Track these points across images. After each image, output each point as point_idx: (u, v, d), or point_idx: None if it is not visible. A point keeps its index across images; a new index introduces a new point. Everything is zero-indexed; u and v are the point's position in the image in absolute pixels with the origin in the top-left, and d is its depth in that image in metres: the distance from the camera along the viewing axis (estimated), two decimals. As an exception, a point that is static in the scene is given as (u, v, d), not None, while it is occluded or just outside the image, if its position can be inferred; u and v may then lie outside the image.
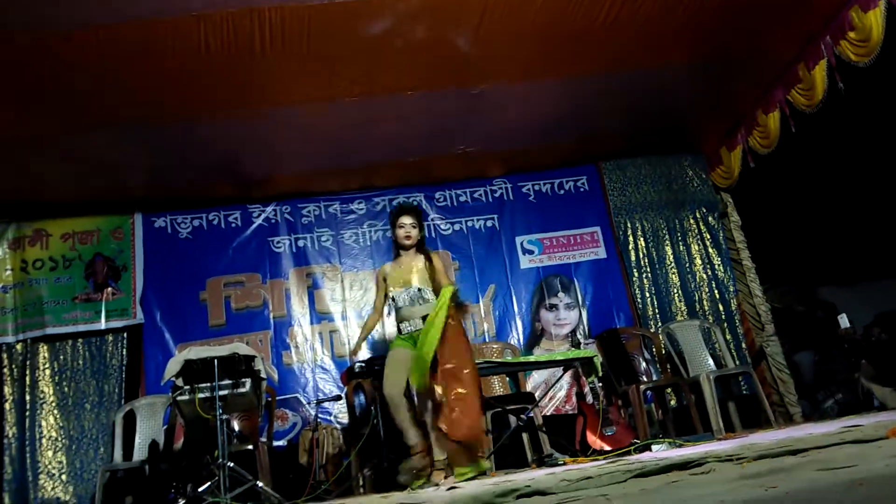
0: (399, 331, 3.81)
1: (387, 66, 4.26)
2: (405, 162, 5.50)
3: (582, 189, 6.12)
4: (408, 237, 3.85)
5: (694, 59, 4.71)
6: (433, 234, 5.84)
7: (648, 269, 5.88)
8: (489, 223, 5.96)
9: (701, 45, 4.53)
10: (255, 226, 5.72)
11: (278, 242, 5.73)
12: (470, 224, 5.94)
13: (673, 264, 5.93)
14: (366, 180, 5.82)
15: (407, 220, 3.88)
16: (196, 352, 3.70)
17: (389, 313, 4.16)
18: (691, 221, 6.06)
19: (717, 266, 5.96)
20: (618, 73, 4.73)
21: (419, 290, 3.76)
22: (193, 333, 5.33)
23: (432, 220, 5.88)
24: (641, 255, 5.92)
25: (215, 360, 3.58)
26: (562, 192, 6.10)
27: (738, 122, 5.60)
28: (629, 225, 5.98)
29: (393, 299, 3.82)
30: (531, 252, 5.92)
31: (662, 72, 4.81)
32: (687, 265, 5.95)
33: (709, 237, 6.03)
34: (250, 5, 3.52)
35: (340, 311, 5.63)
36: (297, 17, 3.65)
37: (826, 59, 4.49)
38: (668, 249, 5.97)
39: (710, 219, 6.07)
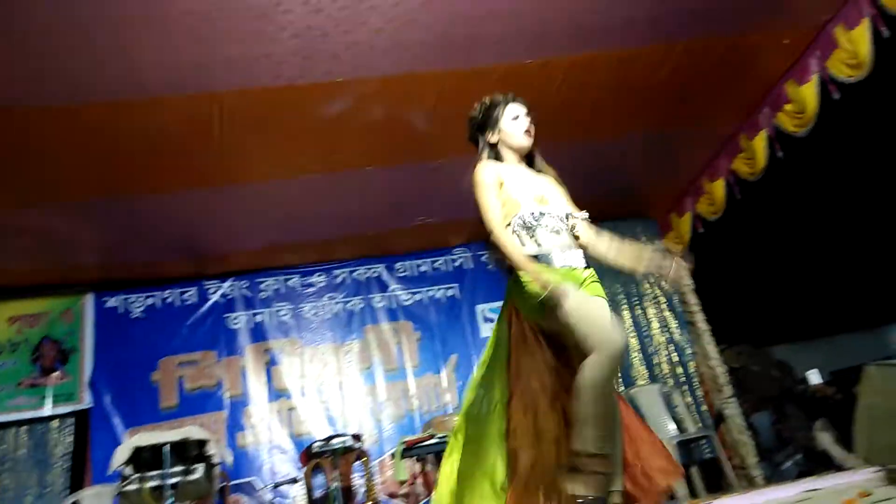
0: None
1: (346, 144, 4.31)
2: (365, 235, 5.51)
3: (540, 256, 6.18)
4: (528, 132, 2.52)
5: (644, 131, 4.90)
6: (394, 305, 5.82)
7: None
8: (450, 292, 5.96)
9: (650, 117, 4.72)
10: (210, 302, 5.60)
11: (235, 319, 5.61)
12: (431, 294, 5.93)
13: (631, 328, 5.99)
14: (325, 253, 5.79)
15: (522, 108, 2.56)
16: (146, 437, 3.56)
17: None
18: (646, 285, 6.18)
19: (673, 329, 6.05)
20: (573, 143, 4.88)
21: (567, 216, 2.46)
22: (144, 417, 5.10)
23: (393, 290, 5.86)
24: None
25: (166, 446, 3.44)
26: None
27: (687, 190, 5.80)
28: (587, 291, 6.05)
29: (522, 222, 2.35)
30: (492, 320, 5.91)
31: (615, 142, 4.98)
32: (645, 329, 6.02)
33: (664, 301, 6.14)
34: (210, 90, 3.56)
35: (299, 388, 5.48)
36: (257, 99, 3.70)
37: (766, 129, 4.73)
38: (626, 314, 6.04)
39: (663, 283, 6.20)
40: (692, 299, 6.15)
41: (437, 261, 6.03)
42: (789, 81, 4.41)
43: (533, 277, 2.15)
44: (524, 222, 2.35)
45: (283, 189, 4.64)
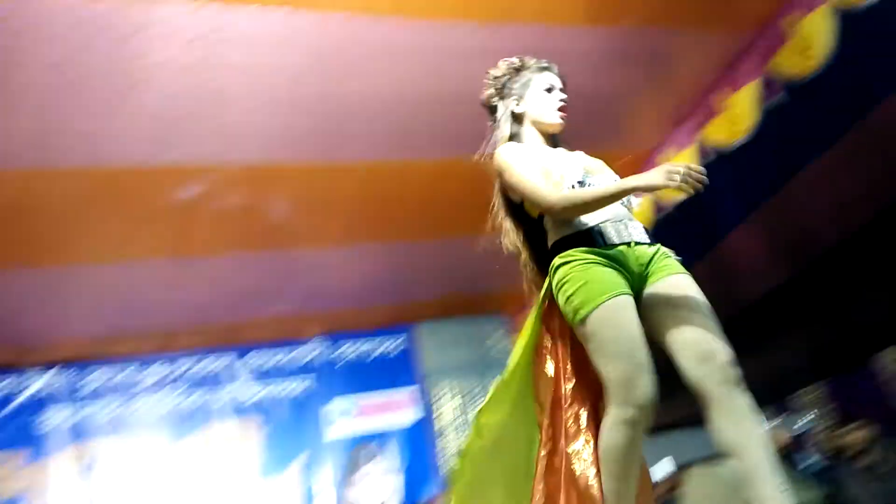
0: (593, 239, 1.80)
1: (198, 230, 4.12)
2: (213, 324, 5.21)
3: (398, 351, 6.16)
4: (563, 109, 2.05)
5: (496, 231, 5.13)
6: (240, 400, 5.48)
7: (461, 432, 5.91)
8: (303, 386, 5.72)
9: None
10: (25, 395, 4.96)
11: (53, 414, 4.99)
12: (282, 387, 5.66)
13: (485, 425, 6.02)
14: (167, 343, 5.38)
15: (557, 79, 2.08)
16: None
17: None
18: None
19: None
20: (432, 240, 5.00)
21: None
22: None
23: (240, 383, 5.53)
24: (455, 418, 5.97)
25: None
26: (378, 353, 6.09)
27: (532, 290, 6.07)
28: (442, 387, 6.06)
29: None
30: (345, 415, 5.73)
31: (472, 240, 5.14)
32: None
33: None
34: (50, 165, 3.30)
35: (124, 494, 4.91)
36: (102, 178, 3.48)
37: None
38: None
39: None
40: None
41: (291, 353, 5.80)
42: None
43: (649, 180, 1.60)
44: None
45: (125, 273, 4.31)
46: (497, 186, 2.11)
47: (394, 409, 5.86)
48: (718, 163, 4.06)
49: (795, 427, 7.89)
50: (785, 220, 4.78)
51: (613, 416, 1.63)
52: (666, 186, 1.57)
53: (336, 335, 5.96)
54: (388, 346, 6.13)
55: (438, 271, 5.35)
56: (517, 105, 2.06)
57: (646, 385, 1.61)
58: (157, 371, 5.39)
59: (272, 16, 2.82)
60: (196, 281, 4.61)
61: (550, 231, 1.90)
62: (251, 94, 3.27)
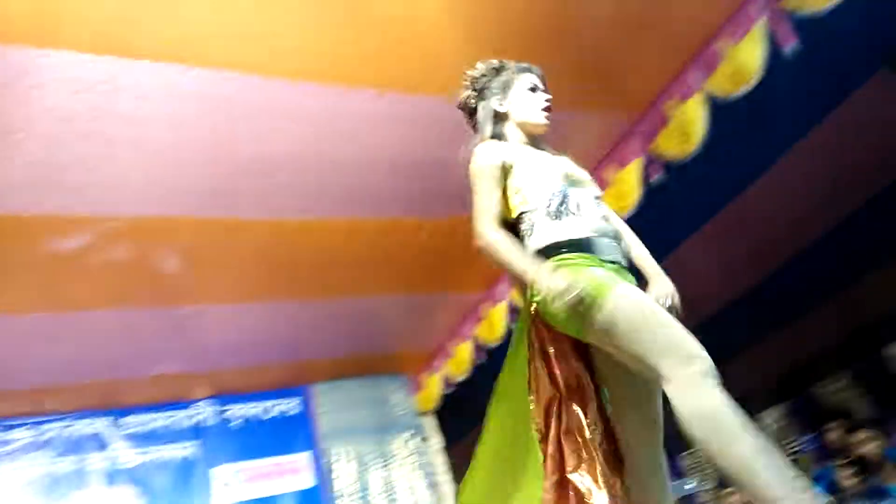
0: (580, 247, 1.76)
1: (77, 281, 3.87)
2: (88, 384, 4.84)
3: (292, 413, 5.94)
4: (547, 109, 2.02)
5: (401, 293, 5.14)
6: (114, 467, 5.06)
7: (358, 497, 5.73)
8: (186, 452, 5.37)
9: (404, 280, 4.98)
10: None
11: None
12: (162, 453, 5.29)
13: (381, 490, 5.87)
14: (33, 405, 4.94)
15: (539, 81, 2.05)
16: None
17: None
18: (397, 445, 6.18)
19: (419, 490, 6.04)
20: (330, 300, 4.93)
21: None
22: None
23: (115, 449, 5.12)
24: (351, 482, 5.78)
25: None
26: (269, 416, 5.84)
27: (437, 352, 6.08)
28: (338, 450, 5.87)
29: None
30: (234, 482, 5.41)
31: (372, 300, 5.13)
32: (394, 491, 5.93)
33: (413, 461, 6.16)
34: None
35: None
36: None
37: (506, 303, 5.22)
38: (377, 474, 5.93)
39: (412, 443, 6.26)
40: (439, 459, 6.25)
41: (174, 416, 5.46)
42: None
43: (540, 282, 1.58)
44: (550, 206, 1.77)
45: (-8, 327, 3.97)
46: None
47: (287, 475, 5.61)
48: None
49: (684, 489, 8.18)
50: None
51: (685, 379, 1.42)
52: (550, 298, 1.55)
53: (226, 396, 5.68)
54: (281, 407, 5.90)
55: (336, 330, 5.26)
56: (500, 104, 2.00)
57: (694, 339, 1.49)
58: (23, 434, 4.92)
59: (165, 70, 2.77)
60: (73, 337, 4.29)
61: (533, 234, 1.80)
62: (140, 146, 3.16)
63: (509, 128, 2.00)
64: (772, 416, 9.18)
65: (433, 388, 6.20)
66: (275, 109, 3.18)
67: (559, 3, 3.05)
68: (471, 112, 2.08)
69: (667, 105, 3.69)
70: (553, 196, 1.79)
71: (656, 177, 3.77)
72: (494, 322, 5.25)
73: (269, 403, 5.87)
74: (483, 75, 2.05)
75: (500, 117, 2.00)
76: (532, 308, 1.73)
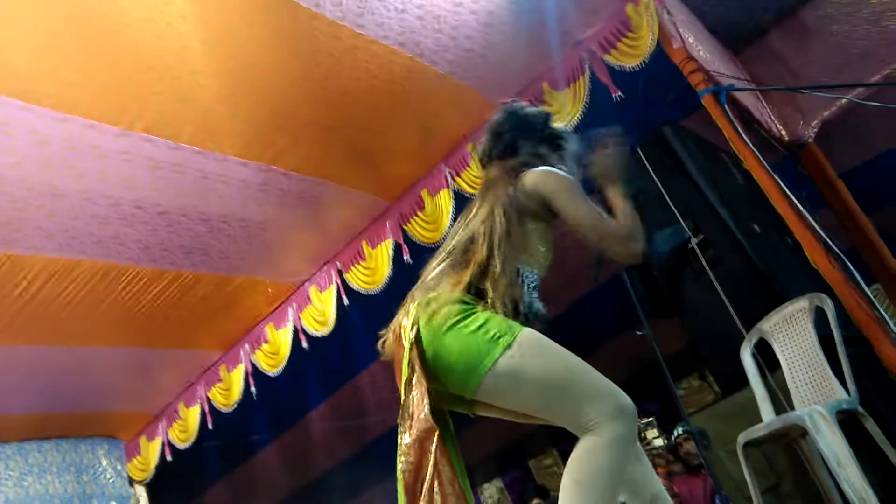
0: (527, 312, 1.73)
1: None
2: None
3: (-38, 478, 4.92)
4: None
5: (121, 345, 4.61)
6: None
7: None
8: None
9: (130, 333, 4.48)
10: None
11: None
12: None
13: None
14: None
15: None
16: None
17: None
18: None
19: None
20: (31, 347, 4.24)
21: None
22: None
23: None
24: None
25: None
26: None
27: (161, 414, 5.53)
28: (18, 526, 4.97)
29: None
30: None
31: (86, 352, 4.53)
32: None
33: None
34: None
35: None
36: None
37: (244, 364, 4.95)
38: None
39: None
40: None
41: None
42: (269, 324, 4.81)
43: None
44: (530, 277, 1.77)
45: None
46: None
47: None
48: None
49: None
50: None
51: (606, 436, 1.46)
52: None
53: None
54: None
55: (32, 383, 4.52)
56: (547, 154, 1.95)
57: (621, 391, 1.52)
58: None
59: None
60: None
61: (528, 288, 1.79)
62: None
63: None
64: (494, 486, 9.88)
65: (151, 453, 5.59)
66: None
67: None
68: (509, 147, 1.95)
69: (423, 191, 3.92)
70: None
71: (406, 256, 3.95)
72: (233, 384, 4.94)
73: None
74: (543, 117, 2.01)
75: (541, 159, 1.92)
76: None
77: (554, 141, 1.96)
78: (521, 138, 1.92)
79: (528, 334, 1.55)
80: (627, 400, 1.49)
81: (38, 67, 2.60)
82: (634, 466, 1.65)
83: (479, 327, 1.54)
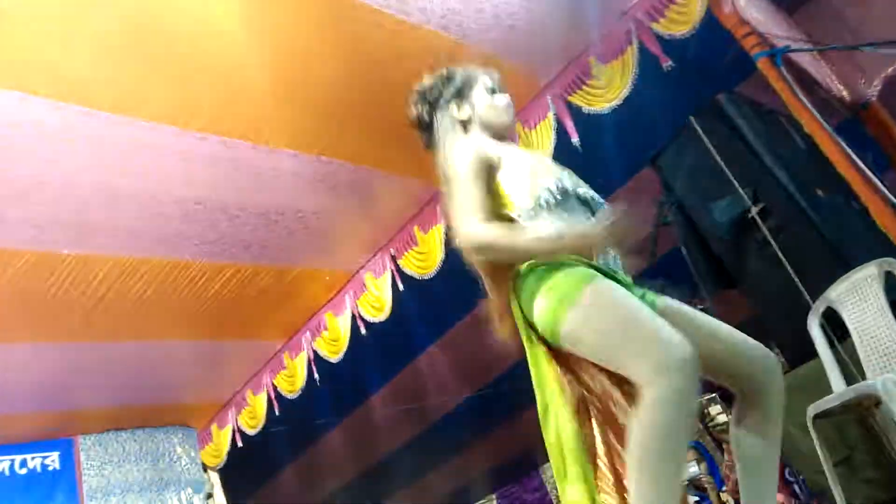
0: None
1: None
2: None
3: (51, 468, 5.24)
4: (510, 107, 1.89)
5: (189, 338, 4.79)
6: None
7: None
8: None
9: (196, 326, 4.65)
10: None
11: None
12: None
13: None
14: None
15: (496, 82, 1.91)
16: None
17: None
18: (175, 503, 5.68)
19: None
20: (106, 343, 4.46)
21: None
22: None
23: None
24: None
25: None
26: (25, 470, 5.11)
27: (230, 402, 5.73)
28: (106, 511, 5.26)
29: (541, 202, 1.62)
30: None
31: (157, 346, 4.73)
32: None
33: (191, 488, 5.73)
34: None
35: None
36: None
37: (306, 352, 5.08)
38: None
39: (195, 500, 5.80)
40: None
41: None
42: (328, 312, 4.92)
43: (576, 241, 1.49)
44: (552, 198, 1.61)
45: None
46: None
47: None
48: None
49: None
50: (466, 345, 5.26)
51: (648, 398, 1.29)
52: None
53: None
54: (40, 461, 5.20)
55: (110, 377, 4.76)
56: (459, 111, 1.82)
57: (680, 337, 1.32)
58: None
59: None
60: None
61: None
62: None
63: (474, 134, 1.81)
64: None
65: (223, 440, 5.81)
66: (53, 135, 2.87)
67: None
68: (426, 127, 1.86)
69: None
70: (553, 188, 1.64)
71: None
72: (297, 371, 5.07)
73: (25, 456, 5.14)
74: (433, 86, 1.86)
75: (461, 125, 1.82)
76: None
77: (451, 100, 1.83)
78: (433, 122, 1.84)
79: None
80: (673, 352, 1.30)
81: (97, 73, 2.70)
82: (749, 440, 1.52)
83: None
